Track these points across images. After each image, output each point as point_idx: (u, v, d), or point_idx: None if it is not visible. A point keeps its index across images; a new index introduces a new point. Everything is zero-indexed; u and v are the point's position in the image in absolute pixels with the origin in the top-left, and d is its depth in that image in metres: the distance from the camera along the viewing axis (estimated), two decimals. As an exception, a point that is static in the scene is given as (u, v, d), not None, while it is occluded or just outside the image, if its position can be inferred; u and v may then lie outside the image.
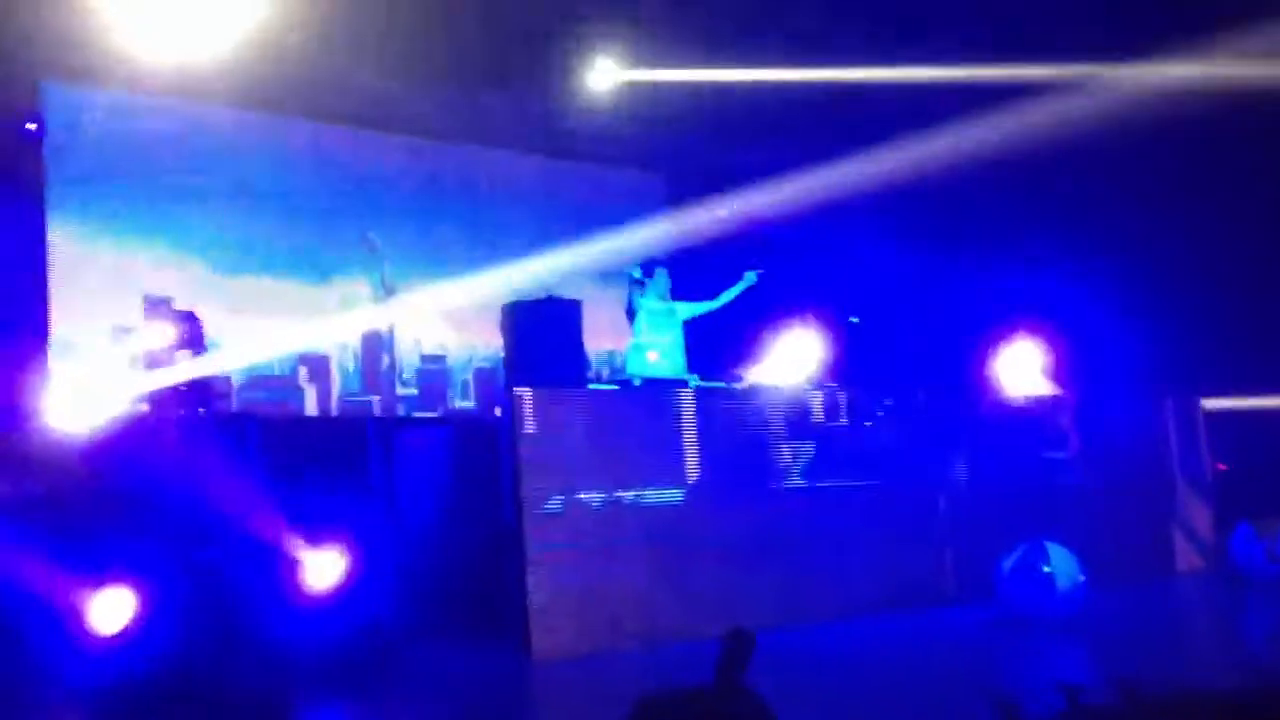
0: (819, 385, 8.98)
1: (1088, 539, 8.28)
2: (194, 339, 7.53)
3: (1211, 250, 10.29)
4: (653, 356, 8.31)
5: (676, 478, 7.72)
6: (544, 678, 6.12)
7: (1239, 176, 9.92)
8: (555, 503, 7.06)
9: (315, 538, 6.48)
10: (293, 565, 6.22)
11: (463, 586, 7.33)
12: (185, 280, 9.86)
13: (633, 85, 10.61)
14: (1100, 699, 3.94)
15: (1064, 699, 3.97)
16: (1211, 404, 10.50)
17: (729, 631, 3.79)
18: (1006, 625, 7.09)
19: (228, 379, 9.78)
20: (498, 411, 7.75)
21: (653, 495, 7.54)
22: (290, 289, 10.62)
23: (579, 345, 7.81)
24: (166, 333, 7.61)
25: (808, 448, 8.47)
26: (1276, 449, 10.09)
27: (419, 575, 7.10)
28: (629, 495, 7.41)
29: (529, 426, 7.08)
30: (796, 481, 8.33)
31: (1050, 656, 5.85)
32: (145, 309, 9.41)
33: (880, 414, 8.90)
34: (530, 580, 6.76)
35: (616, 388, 8.04)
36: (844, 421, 8.75)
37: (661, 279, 8.88)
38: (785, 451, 8.34)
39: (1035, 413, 9.76)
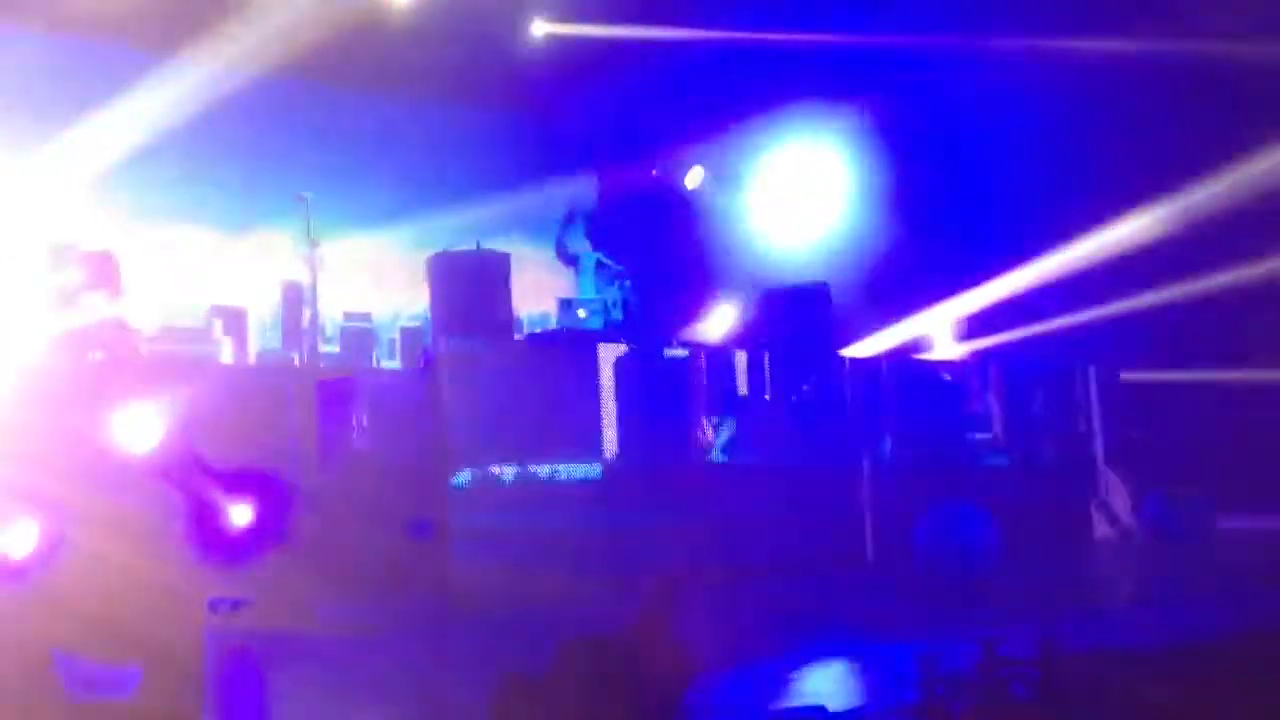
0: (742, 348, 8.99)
1: (1006, 510, 8.47)
2: (105, 280, 7.36)
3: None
4: (581, 314, 8.29)
5: (594, 450, 7.55)
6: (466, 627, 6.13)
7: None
8: (465, 475, 6.92)
9: (229, 487, 6.41)
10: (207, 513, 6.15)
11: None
12: (94, 224, 9.46)
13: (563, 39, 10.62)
14: (1016, 651, 4.08)
15: (981, 650, 4.10)
16: (1130, 375, 10.80)
17: (654, 579, 3.85)
18: (924, 586, 7.24)
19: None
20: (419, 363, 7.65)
21: (568, 471, 7.38)
22: (207, 237, 10.41)
23: (507, 299, 7.77)
24: (74, 274, 7.42)
25: (730, 423, 8.48)
26: (1189, 419, 10.40)
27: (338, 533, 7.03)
28: (543, 470, 7.26)
29: (447, 385, 6.96)
30: (718, 456, 8.31)
31: (965, 614, 5.98)
32: (49, 255, 9.19)
33: (805, 388, 8.95)
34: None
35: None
36: (767, 397, 8.77)
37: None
38: (707, 426, 8.33)
39: (957, 380, 9.94)
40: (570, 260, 8.67)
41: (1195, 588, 7.18)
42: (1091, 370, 10.74)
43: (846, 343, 10.01)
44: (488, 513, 7.00)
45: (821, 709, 3.84)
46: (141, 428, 6.60)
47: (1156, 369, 10.64)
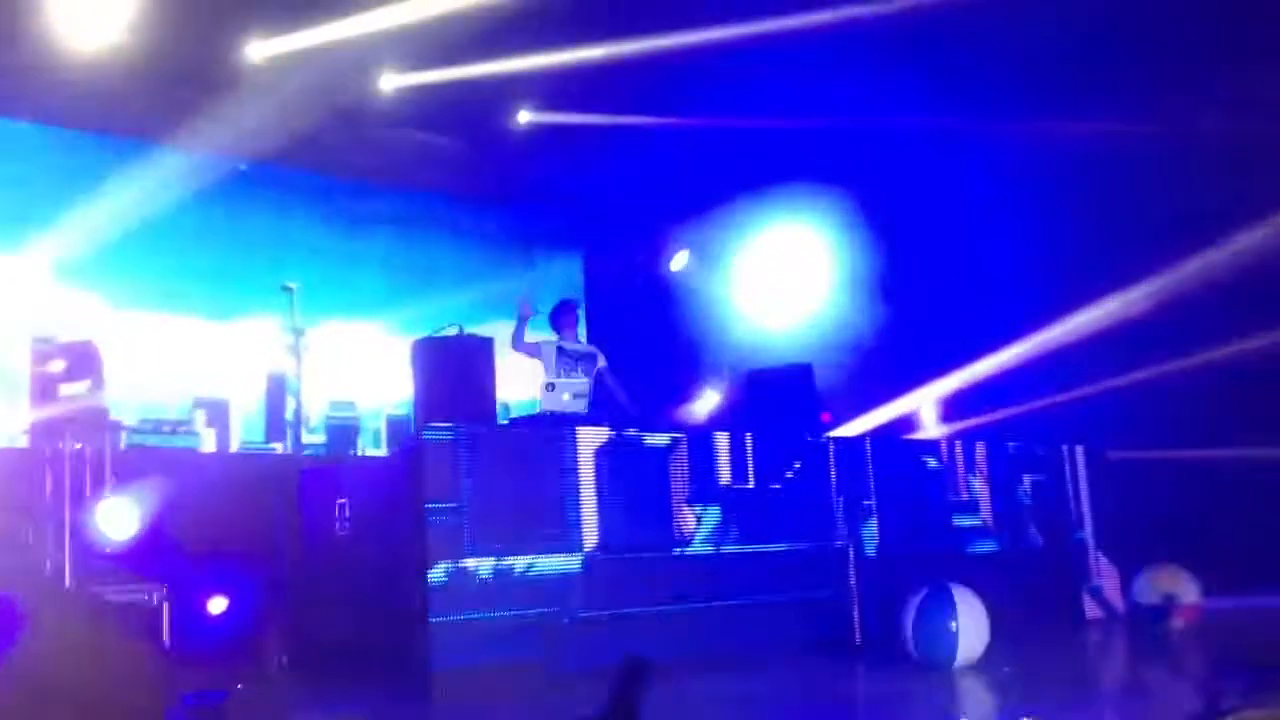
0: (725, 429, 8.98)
1: (996, 595, 8.42)
2: (85, 370, 7.39)
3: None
4: (566, 398, 8.29)
5: (573, 542, 7.43)
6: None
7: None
8: (439, 571, 6.79)
9: (206, 577, 6.41)
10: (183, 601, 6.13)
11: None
12: (76, 316, 9.64)
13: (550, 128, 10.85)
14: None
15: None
16: (1116, 454, 10.83)
17: (624, 660, 3.82)
18: (912, 671, 7.17)
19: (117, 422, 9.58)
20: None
21: (546, 564, 7.25)
22: (190, 326, 10.49)
23: (491, 383, 7.79)
24: (54, 365, 7.46)
25: (714, 511, 8.44)
26: (1172, 498, 10.41)
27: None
28: (520, 564, 7.16)
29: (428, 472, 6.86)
30: (702, 546, 8.29)
31: (953, 698, 5.92)
32: (33, 347, 9.23)
33: (789, 475, 8.90)
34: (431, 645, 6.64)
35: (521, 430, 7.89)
36: (750, 485, 8.70)
37: (577, 318, 8.90)
38: (689, 515, 8.29)
39: (943, 465, 9.94)
40: (532, 351, 8.67)
41: (1178, 671, 7.12)
42: (1080, 451, 10.77)
43: (831, 424, 10.04)
44: (466, 609, 6.89)
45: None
46: (120, 517, 6.61)
47: (1142, 448, 10.67)
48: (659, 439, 8.19)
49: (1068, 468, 10.76)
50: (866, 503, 9.26)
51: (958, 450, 10.12)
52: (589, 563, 7.46)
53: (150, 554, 6.41)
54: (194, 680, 6.04)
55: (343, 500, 7.44)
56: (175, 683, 5.41)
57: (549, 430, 7.62)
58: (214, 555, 6.80)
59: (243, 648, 6.33)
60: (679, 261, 12.29)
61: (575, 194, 11.95)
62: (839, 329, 11.76)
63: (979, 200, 10.95)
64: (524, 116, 11.22)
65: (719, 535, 8.33)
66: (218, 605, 6.24)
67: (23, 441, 7.89)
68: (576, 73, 10.10)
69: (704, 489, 8.36)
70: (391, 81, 10.97)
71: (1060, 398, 10.83)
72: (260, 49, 10.07)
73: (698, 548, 8.17)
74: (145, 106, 9.62)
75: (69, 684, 3.69)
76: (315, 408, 10.81)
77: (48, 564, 4.82)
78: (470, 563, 6.88)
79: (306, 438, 10.59)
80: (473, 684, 6.55)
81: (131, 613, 4.06)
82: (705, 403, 9.86)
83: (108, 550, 6.38)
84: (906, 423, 10.55)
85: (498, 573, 6.99)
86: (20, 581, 3.89)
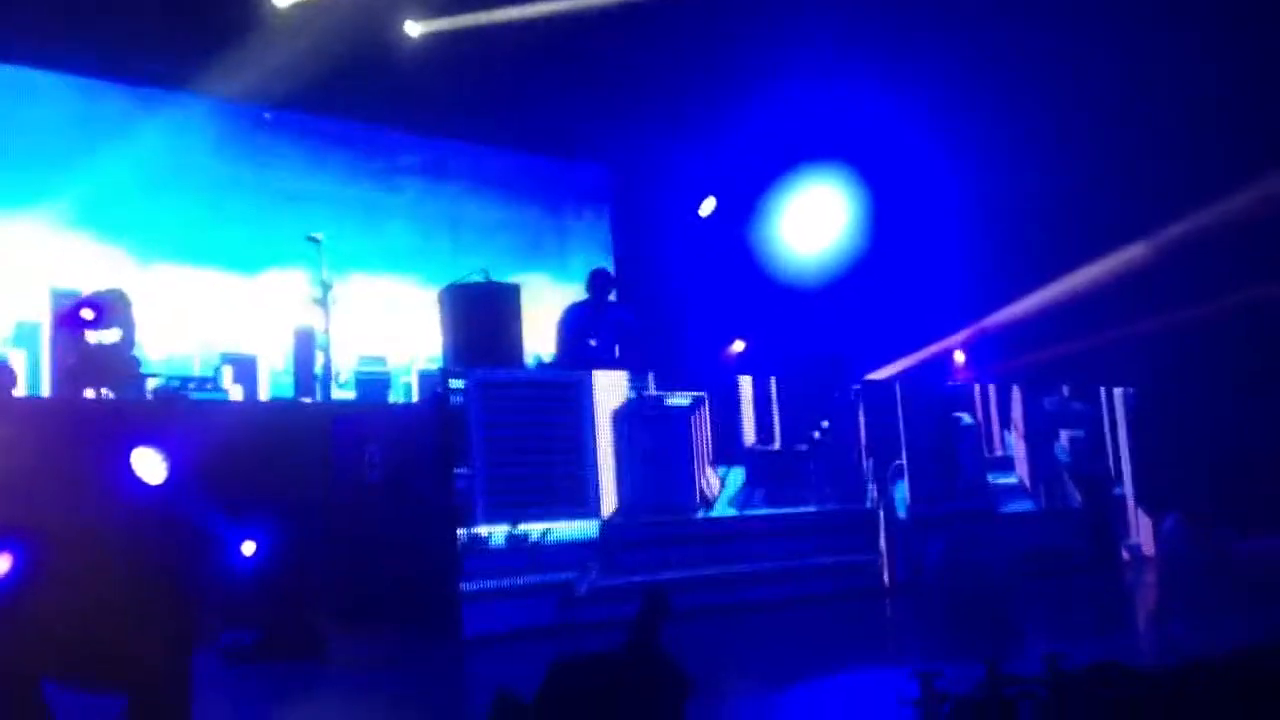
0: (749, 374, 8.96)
1: (1032, 555, 8.48)
2: (117, 318, 7.55)
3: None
4: (593, 343, 8.39)
5: (591, 506, 7.48)
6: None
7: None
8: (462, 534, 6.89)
9: (239, 522, 6.55)
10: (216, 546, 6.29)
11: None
12: (100, 270, 9.66)
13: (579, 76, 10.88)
14: (1022, 670, 4.12)
15: (985, 669, 4.15)
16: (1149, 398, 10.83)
17: (644, 593, 3.92)
18: (933, 610, 7.29)
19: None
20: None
21: (562, 531, 7.30)
22: (217, 280, 10.57)
23: (518, 332, 7.88)
24: (87, 312, 7.63)
25: (738, 473, 8.43)
26: (1208, 441, 10.42)
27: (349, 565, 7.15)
28: (536, 531, 7.21)
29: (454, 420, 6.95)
30: (726, 510, 8.23)
31: (973, 637, 6.02)
32: (54, 300, 9.37)
33: (816, 435, 8.87)
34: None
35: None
36: (776, 447, 8.69)
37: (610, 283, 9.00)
38: (713, 477, 8.30)
39: (975, 420, 9.94)
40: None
41: (1209, 609, 7.20)
42: (1120, 399, 10.75)
43: (860, 370, 10.05)
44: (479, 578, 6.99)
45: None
46: (149, 464, 6.77)
47: (1176, 389, 10.67)
48: (680, 399, 8.21)
49: (1106, 420, 10.75)
50: (897, 462, 9.28)
51: (992, 405, 10.12)
52: (606, 528, 7.53)
53: (181, 501, 6.56)
54: (225, 624, 6.25)
55: (373, 448, 7.59)
56: (207, 625, 5.61)
57: (565, 381, 7.67)
58: (244, 503, 6.96)
59: (273, 593, 6.50)
60: (707, 207, 12.42)
61: (603, 143, 11.98)
62: (867, 271, 11.80)
63: (1012, 135, 10.90)
64: (551, 65, 11.29)
65: (743, 498, 8.36)
66: (248, 548, 6.40)
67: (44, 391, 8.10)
68: (605, 17, 10.14)
69: (728, 450, 8.39)
70: (418, 28, 11.08)
71: (1095, 340, 10.79)
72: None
73: (721, 511, 8.20)
74: (169, 52, 9.68)
75: (99, 624, 3.80)
76: (344, 363, 10.85)
77: (78, 511, 4.94)
78: (483, 529, 6.97)
79: (336, 393, 10.57)
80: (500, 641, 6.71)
81: (165, 555, 4.17)
82: (731, 350, 9.91)
83: (139, 497, 6.53)
84: (939, 368, 10.54)
85: (511, 538, 7.08)
86: (51, 523, 4.01)
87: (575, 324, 8.76)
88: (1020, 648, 5.73)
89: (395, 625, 6.94)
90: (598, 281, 9.05)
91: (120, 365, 7.53)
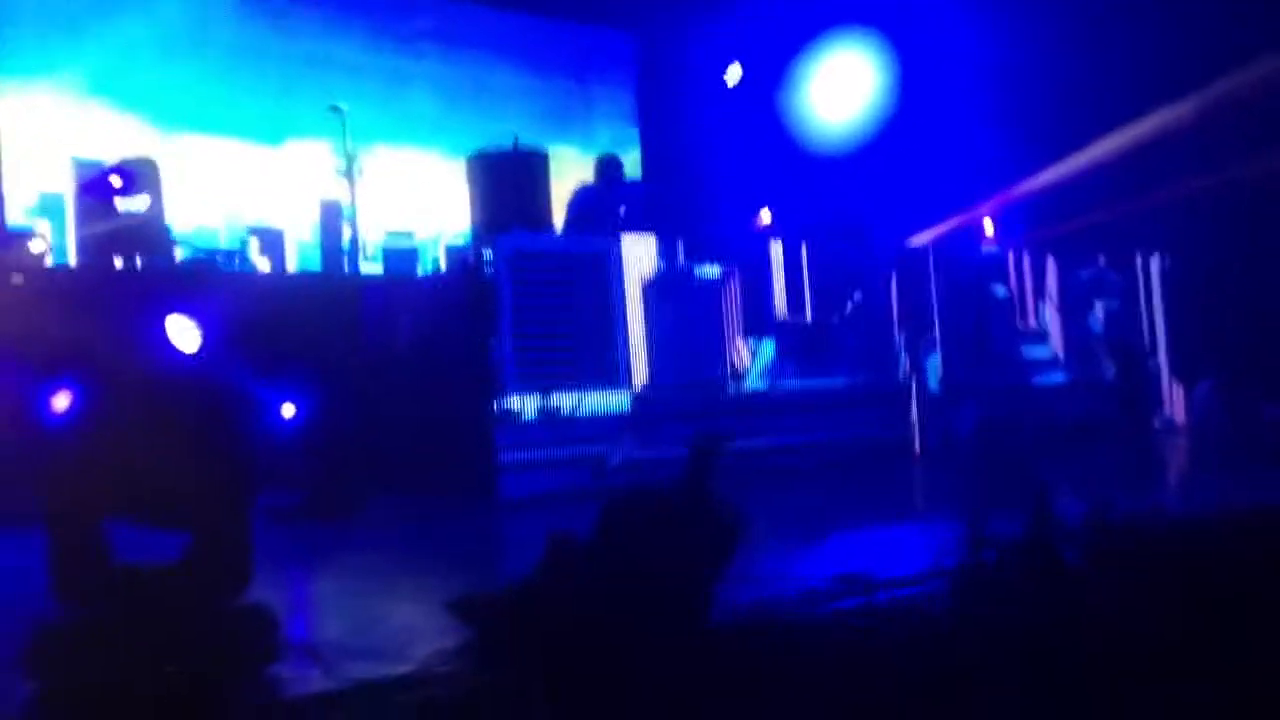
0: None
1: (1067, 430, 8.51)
2: (147, 185, 7.54)
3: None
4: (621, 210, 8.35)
5: (621, 377, 7.51)
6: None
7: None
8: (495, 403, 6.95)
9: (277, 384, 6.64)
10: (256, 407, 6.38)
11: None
12: (121, 139, 9.59)
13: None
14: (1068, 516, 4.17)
15: (1032, 512, 4.18)
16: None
17: (696, 435, 3.94)
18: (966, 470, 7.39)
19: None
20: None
21: (593, 403, 7.34)
22: (240, 150, 10.51)
23: (547, 200, 7.86)
24: (116, 179, 7.60)
25: (768, 345, 8.38)
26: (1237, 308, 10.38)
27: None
28: (567, 404, 7.22)
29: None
30: (755, 382, 8.21)
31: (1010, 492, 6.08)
32: (75, 170, 9.34)
33: (848, 307, 8.84)
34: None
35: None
36: (808, 318, 8.66)
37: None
38: (744, 349, 8.24)
39: (1009, 291, 9.89)
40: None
41: (1240, 471, 7.26)
42: (1155, 268, 10.69)
43: (890, 238, 9.98)
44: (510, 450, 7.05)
45: (866, 574, 3.95)
46: (184, 332, 6.83)
47: (1212, 256, 10.60)
48: (710, 270, 8.17)
49: (1142, 291, 10.70)
50: (930, 335, 9.27)
51: (1027, 276, 10.08)
52: (637, 401, 7.52)
53: (218, 369, 6.63)
54: (266, 484, 6.35)
55: (404, 318, 7.64)
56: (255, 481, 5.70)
57: (594, 250, 7.62)
58: (280, 369, 7.04)
59: (312, 455, 6.62)
60: (733, 75, 12.28)
61: (628, 8, 11.78)
62: (897, 138, 11.68)
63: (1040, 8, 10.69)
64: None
65: (774, 371, 8.37)
66: (288, 410, 6.49)
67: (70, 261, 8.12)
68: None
69: (758, 321, 8.39)
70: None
71: (1129, 206, 10.69)
72: None
73: (751, 384, 8.22)
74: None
75: (160, 462, 3.88)
76: (372, 237, 10.84)
77: (127, 362, 5.00)
78: (514, 401, 6.99)
79: (364, 266, 10.70)
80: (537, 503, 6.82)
81: (212, 409, 4.23)
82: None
83: (178, 365, 6.59)
84: (970, 237, 10.49)
85: (541, 410, 7.11)
86: (105, 367, 4.06)
87: (582, 206, 8.71)
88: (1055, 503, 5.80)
89: (432, 488, 7.05)
90: (606, 169, 8.97)
91: (150, 233, 7.53)
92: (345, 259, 10.02)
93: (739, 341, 8.27)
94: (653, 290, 7.81)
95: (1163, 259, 10.71)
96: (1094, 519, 4.26)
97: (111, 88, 9.88)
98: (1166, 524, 4.47)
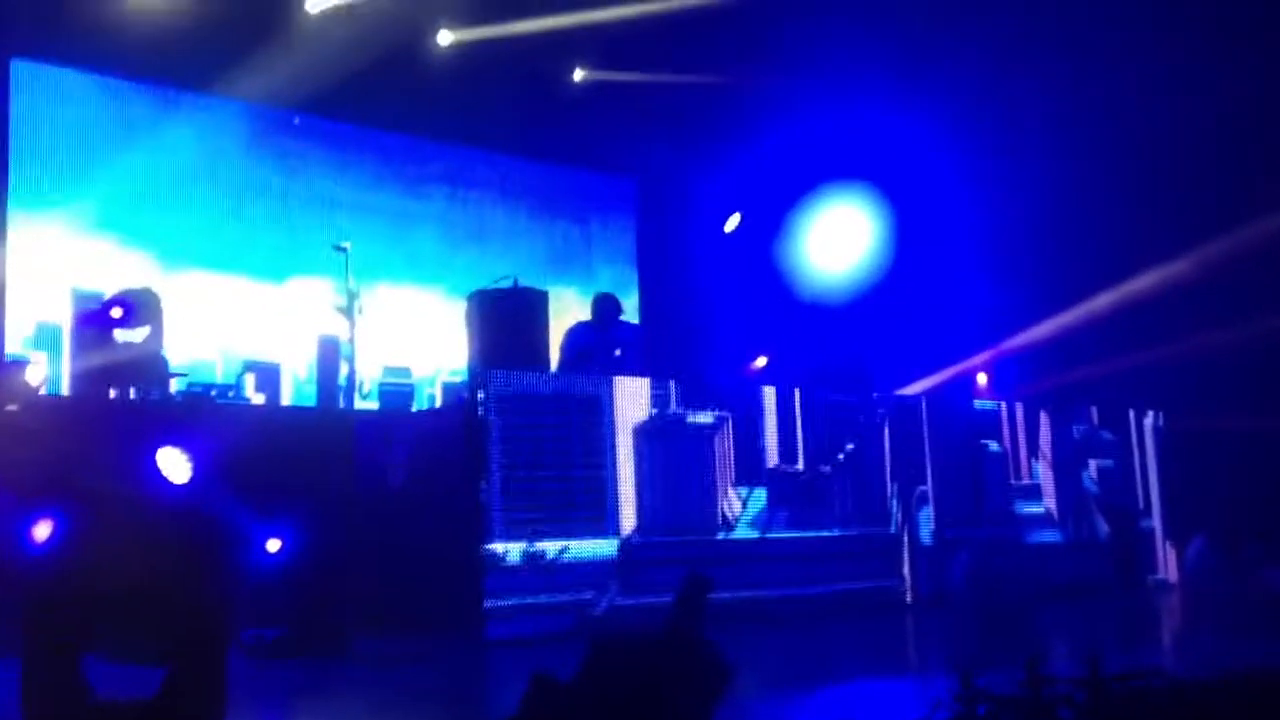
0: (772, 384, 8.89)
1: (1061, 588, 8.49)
2: (147, 317, 7.62)
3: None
4: (618, 353, 8.41)
5: (610, 524, 7.48)
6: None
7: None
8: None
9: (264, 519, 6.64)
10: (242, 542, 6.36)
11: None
12: (123, 274, 9.60)
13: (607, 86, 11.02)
14: (1061, 672, 4.13)
15: (1025, 670, 4.14)
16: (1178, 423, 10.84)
17: (685, 577, 3.93)
18: (960, 621, 7.32)
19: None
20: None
21: (580, 549, 7.30)
22: (241, 287, 10.63)
23: (545, 338, 7.93)
24: (116, 310, 7.69)
25: (760, 494, 8.37)
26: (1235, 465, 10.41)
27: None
28: (553, 549, 7.20)
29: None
30: (747, 532, 8.19)
31: (1005, 644, 6.02)
32: (75, 301, 9.42)
33: (841, 457, 8.82)
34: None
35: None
36: (800, 467, 8.66)
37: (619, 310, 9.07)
38: (735, 498, 8.25)
39: (1002, 447, 9.91)
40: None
41: (1236, 628, 7.21)
42: (1150, 427, 10.74)
43: (883, 389, 10.04)
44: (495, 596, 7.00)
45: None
46: (175, 463, 6.83)
47: (1203, 414, 10.65)
48: (703, 417, 8.17)
49: (1136, 451, 10.72)
50: (922, 488, 9.26)
51: (1020, 432, 10.10)
52: (625, 547, 7.50)
53: (206, 499, 6.62)
54: (249, 621, 6.29)
55: (398, 451, 7.64)
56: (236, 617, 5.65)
57: (586, 394, 7.61)
58: (269, 502, 7.03)
59: (297, 591, 6.56)
60: (732, 224, 12.58)
61: (631, 155, 12.11)
62: (893, 291, 11.87)
63: (1035, 164, 10.99)
64: (581, 74, 11.50)
65: (766, 520, 8.33)
66: (273, 546, 6.47)
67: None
68: (635, 29, 10.28)
69: (750, 470, 8.35)
70: (448, 36, 11.22)
71: (1121, 362, 10.80)
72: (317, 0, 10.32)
73: (742, 533, 8.17)
74: (199, 55, 9.81)
75: (138, 595, 3.85)
76: (369, 373, 10.84)
77: (114, 493, 5.01)
78: (498, 546, 6.95)
79: (360, 404, 10.67)
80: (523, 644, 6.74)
81: (195, 543, 4.23)
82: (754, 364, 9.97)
83: (167, 497, 6.59)
84: (962, 389, 10.57)
85: (527, 555, 7.06)
86: (89, 498, 4.07)
87: (577, 344, 8.81)
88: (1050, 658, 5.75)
89: (418, 626, 6.97)
90: (604, 308, 9.11)
91: (148, 365, 7.59)
92: (341, 395, 10.07)
93: (730, 490, 8.22)
94: (644, 435, 7.80)
95: (1156, 421, 10.79)
96: (1088, 676, 4.21)
97: (116, 222, 10.03)
98: (1162, 683, 4.42)
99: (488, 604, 6.87)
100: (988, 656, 5.60)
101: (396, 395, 11.08)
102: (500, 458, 7.12)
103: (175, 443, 6.93)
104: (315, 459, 7.26)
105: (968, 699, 3.97)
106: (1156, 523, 10.72)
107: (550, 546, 7.18)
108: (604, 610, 7.28)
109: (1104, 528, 10.43)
